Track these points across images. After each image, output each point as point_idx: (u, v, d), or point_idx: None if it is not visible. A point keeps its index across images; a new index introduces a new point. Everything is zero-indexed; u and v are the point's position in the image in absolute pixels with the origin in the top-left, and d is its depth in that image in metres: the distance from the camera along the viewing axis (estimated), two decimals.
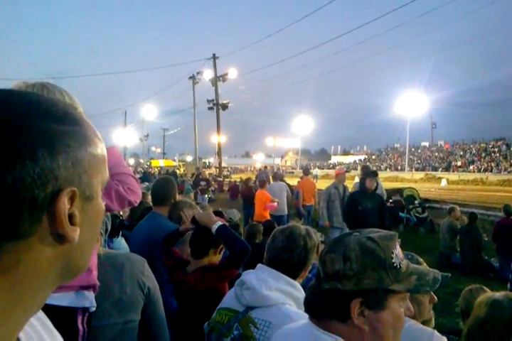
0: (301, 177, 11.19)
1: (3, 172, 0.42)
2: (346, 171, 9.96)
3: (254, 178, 12.66)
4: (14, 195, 0.42)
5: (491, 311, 1.69)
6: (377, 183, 6.80)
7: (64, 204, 0.46)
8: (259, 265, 1.74)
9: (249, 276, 1.68)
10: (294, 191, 10.75)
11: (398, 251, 1.07)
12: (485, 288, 2.70)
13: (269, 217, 9.12)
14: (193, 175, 19.37)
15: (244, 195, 11.55)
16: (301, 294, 1.62)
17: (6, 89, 0.50)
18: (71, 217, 0.47)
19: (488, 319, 1.67)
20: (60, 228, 0.46)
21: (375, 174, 6.85)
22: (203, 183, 16.29)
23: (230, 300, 1.75)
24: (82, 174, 0.48)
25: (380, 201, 6.76)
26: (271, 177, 10.80)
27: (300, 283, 1.70)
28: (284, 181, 10.83)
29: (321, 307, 1.05)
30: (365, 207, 6.47)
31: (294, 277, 1.67)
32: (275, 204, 9.13)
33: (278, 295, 1.59)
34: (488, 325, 1.66)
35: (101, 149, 0.53)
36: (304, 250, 1.67)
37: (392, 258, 1.04)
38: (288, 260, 1.66)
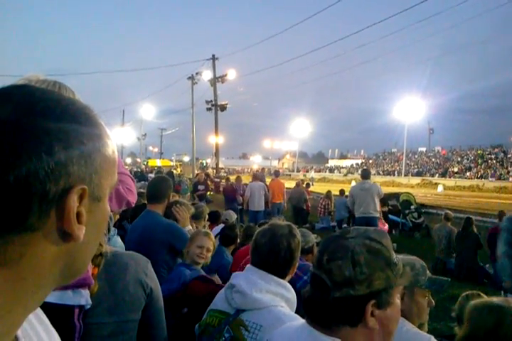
0: (272, 179, 12.67)
1: (18, 164, 0.42)
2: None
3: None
4: (26, 187, 0.42)
5: (500, 318, 1.66)
6: None
7: (74, 201, 0.46)
8: (249, 266, 1.70)
9: (238, 279, 1.65)
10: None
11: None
12: (482, 294, 2.70)
13: None
14: (197, 175, 18.58)
15: (227, 191, 12.90)
16: (292, 294, 1.63)
17: (28, 85, 0.51)
18: (78, 216, 0.47)
19: (499, 325, 1.65)
20: (67, 225, 0.46)
21: None
22: (201, 188, 14.81)
23: (220, 302, 1.73)
24: (93, 173, 0.49)
25: None
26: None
27: (288, 280, 1.68)
28: (263, 181, 12.07)
29: (331, 316, 1.03)
30: None
31: (283, 277, 1.65)
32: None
33: (269, 297, 1.57)
34: (502, 332, 1.63)
35: (112, 151, 0.53)
36: (289, 250, 1.63)
37: (392, 255, 1.06)
38: (274, 263, 1.62)
